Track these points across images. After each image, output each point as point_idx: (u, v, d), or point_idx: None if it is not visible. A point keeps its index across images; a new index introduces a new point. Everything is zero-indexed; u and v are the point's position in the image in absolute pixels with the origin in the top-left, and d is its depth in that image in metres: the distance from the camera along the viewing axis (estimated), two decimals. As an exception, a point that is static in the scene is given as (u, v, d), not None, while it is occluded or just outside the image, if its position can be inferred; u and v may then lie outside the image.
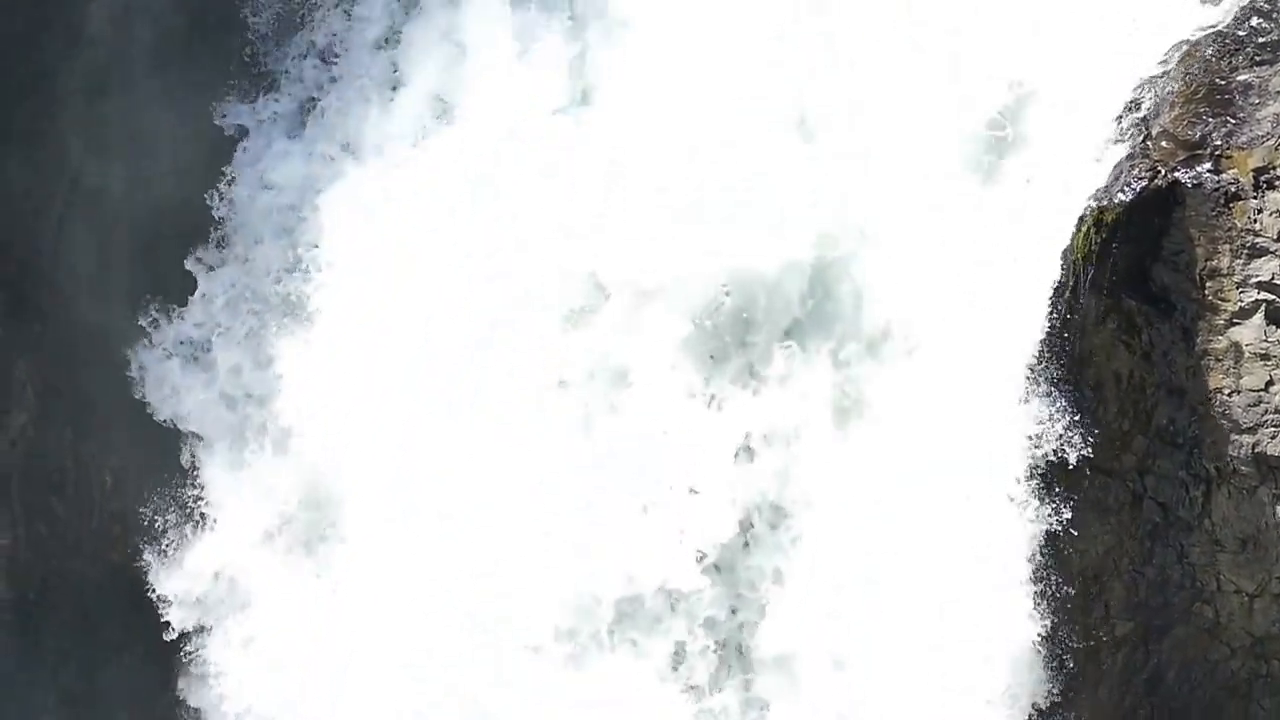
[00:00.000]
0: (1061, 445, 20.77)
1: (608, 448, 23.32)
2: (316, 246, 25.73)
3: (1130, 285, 20.78)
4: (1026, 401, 20.77)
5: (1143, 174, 20.31)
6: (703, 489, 22.94)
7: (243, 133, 26.77)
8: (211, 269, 26.80)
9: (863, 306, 22.73)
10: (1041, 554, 21.06)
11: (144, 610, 26.65)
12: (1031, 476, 20.94)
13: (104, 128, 26.69)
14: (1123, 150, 20.46)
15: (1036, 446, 20.84)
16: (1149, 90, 20.62)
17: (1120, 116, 20.50)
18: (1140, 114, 20.54)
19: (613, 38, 24.55)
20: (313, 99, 26.56)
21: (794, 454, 22.90)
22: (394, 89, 25.90)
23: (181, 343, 27.00)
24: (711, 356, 23.17)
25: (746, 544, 23.14)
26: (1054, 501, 21.00)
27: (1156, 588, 21.52)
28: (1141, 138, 20.43)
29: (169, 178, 26.38)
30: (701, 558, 22.99)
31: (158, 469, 26.23)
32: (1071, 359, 20.83)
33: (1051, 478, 20.95)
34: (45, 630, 27.58)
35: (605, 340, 23.55)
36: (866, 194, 22.44)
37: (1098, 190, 20.34)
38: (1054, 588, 21.14)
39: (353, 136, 25.99)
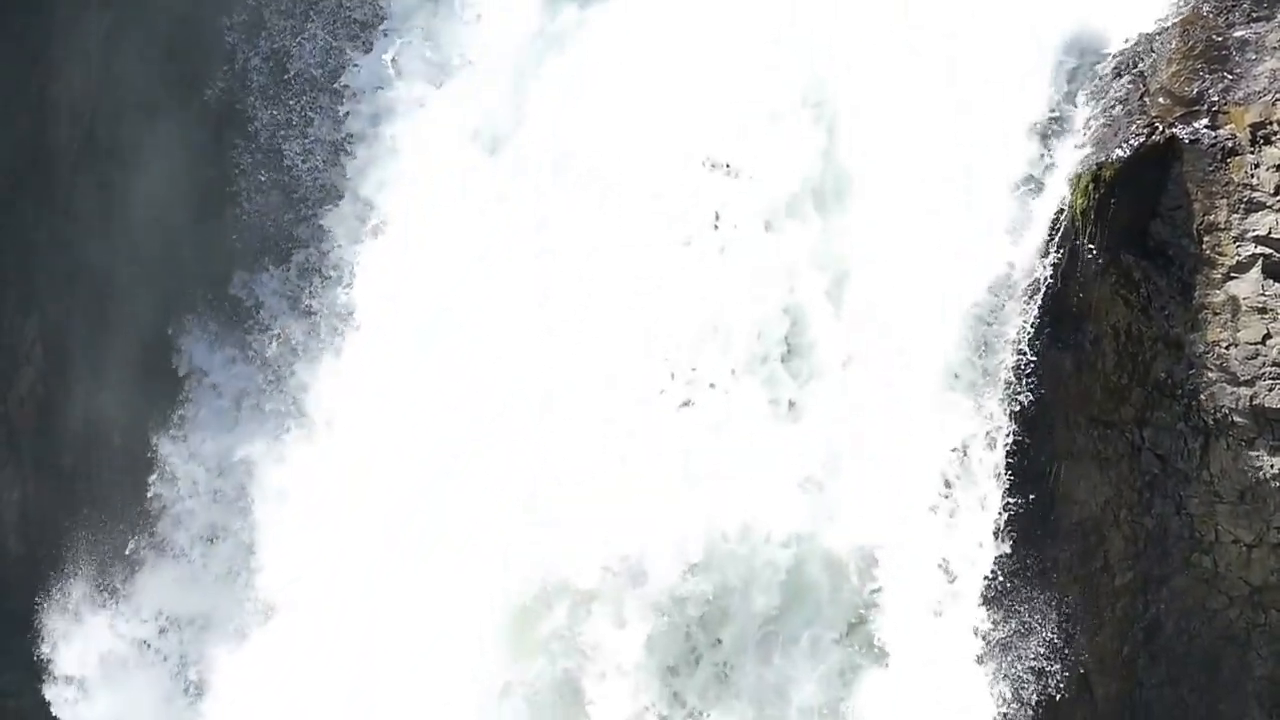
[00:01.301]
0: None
1: None
2: (253, 552, 24.83)
3: (1129, 240, 20.96)
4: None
5: (1140, 130, 20.52)
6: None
7: (199, 373, 26.15)
8: (156, 556, 25.82)
9: (840, 587, 21.94)
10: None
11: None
12: None
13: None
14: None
15: None
16: (1147, 47, 20.83)
17: (1118, 73, 20.74)
18: (1138, 70, 20.79)
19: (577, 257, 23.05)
20: (272, 338, 25.67)
21: None
22: (350, 330, 24.94)
23: (95, 665, 26.01)
24: (671, 668, 21.82)
25: None
26: None
27: (1155, 538, 21.73)
28: (1139, 94, 20.64)
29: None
30: None
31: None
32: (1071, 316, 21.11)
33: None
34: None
35: (557, 654, 22.07)
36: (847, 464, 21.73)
37: (1096, 146, 20.63)
38: None
39: (306, 396, 25.05)
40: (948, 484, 21.03)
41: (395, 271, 24.53)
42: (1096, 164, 20.59)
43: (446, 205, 24.32)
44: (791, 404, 22.13)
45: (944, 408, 21.01)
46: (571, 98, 23.63)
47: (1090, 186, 20.61)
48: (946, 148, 21.21)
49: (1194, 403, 21.22)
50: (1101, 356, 21.32)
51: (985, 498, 20.86)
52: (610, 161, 22.96)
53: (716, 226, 22.21)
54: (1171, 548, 21.77)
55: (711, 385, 22.00)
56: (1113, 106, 20.65)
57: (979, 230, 20.93)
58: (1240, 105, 20.46)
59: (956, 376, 21.02)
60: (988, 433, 20.85)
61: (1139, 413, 21.51)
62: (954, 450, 21.01)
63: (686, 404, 22.01)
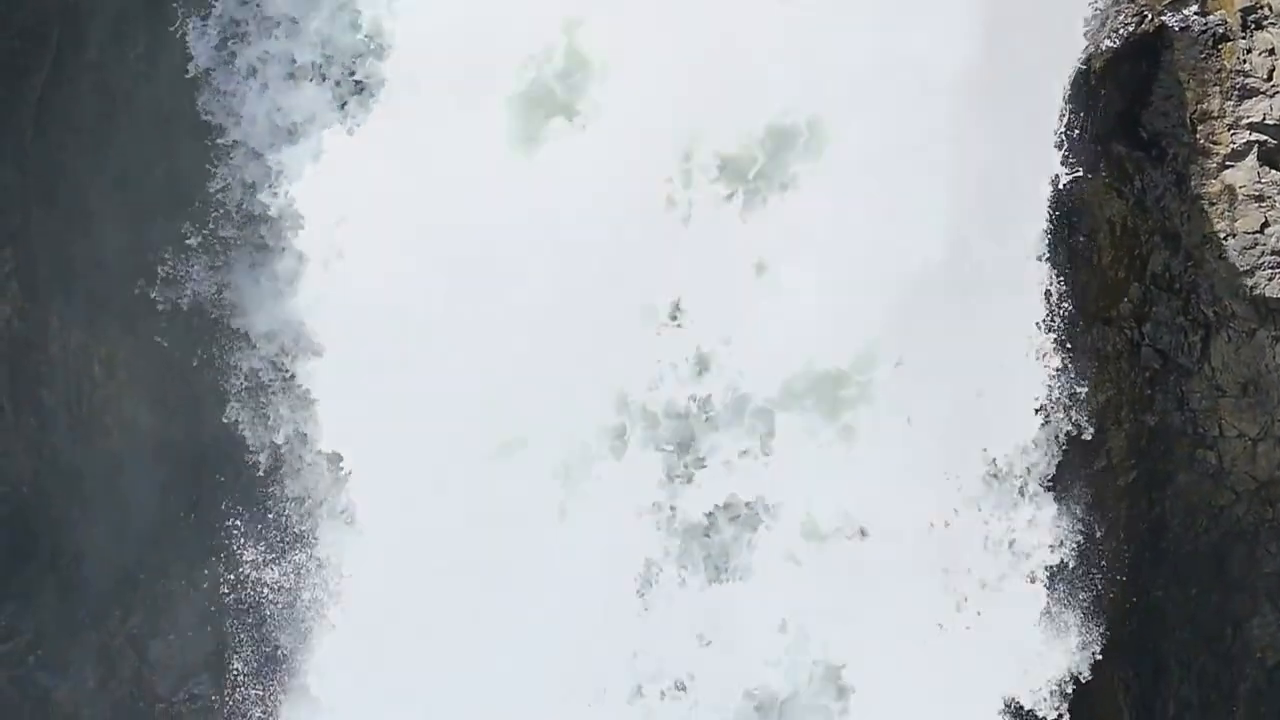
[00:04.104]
0: None
1: None
2: None
3: (1120, 132, 21.29)
4: None
5: (1129, 19, 20.84)
6: None
7: None
8: None
9: None
10: None
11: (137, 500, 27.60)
12: None
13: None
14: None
15: None
16: (1133, -64, 20.99)
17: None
18: (1126, -37, 20.91)
19: None
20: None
21: None
22: None
23: None
24: None
25: None
26: None
27: (1158, 435, 22.14)
28: (1127, -18, 20.85)
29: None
30: None
31: (150, 355, 26.99)
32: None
33: None
34: (40, 522, 28.34)
35: None
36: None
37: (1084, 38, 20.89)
38: None
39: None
40: None
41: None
42: (1086, 55, 20.89)
43: None
44: None
45: None
46: None
47: (1080, 78, 20.91)
48: None
49: (1193, 296, 21.64)
50: (1097, 252, 21.66)
51: None
52: None
53: None
54: (1175, 445, 22.23)
55: None
56: (1100, -2, 20.90)
57: None
58: (1230, -11, 20.74)
59: None
60: None
61: (1137, 308, 21.92)
62: None
63: None
